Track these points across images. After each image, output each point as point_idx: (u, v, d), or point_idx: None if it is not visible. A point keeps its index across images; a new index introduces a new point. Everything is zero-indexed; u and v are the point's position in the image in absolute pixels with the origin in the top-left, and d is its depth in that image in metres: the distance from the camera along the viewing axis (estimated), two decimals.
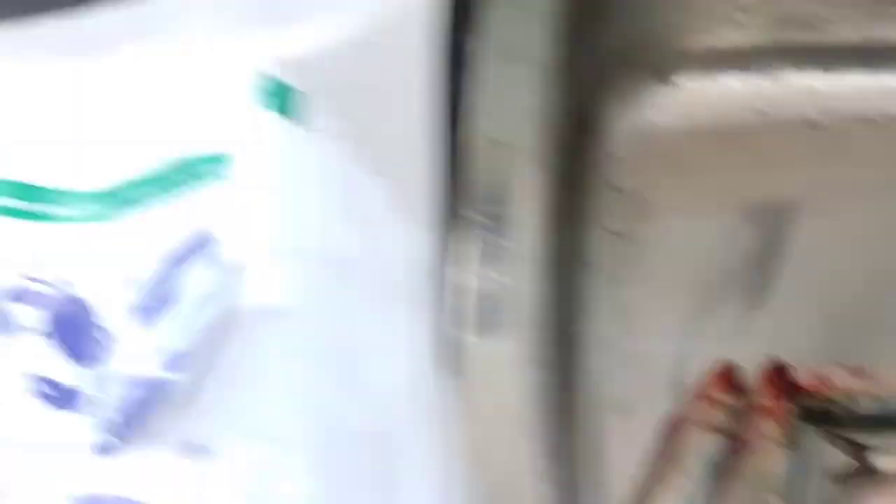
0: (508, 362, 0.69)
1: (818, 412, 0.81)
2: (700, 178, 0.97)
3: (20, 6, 0.71)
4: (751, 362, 0.81)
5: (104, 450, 0.60)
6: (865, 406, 0.80)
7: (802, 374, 0.82)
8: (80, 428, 0.60)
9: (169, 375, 0.61)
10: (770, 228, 0.93)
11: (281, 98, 0.71)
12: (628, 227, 0.94)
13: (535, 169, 0.71)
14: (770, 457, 0.76)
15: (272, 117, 0.70)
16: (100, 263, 0.65)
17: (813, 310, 0.89)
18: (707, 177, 0.97)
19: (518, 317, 0.71)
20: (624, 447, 0.80)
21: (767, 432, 0.77)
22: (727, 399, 0.79)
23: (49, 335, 0.62)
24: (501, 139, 0.73)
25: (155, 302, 0.64)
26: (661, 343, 0.87)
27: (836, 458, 0.80)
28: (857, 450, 0.80)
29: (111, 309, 0.63)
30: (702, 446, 0.77)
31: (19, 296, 0.63)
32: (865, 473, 0.79)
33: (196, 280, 0.64)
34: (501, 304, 0.70)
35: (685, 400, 0.80)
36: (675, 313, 0.89)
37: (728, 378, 0.80)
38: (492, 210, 0.70)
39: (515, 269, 0.69)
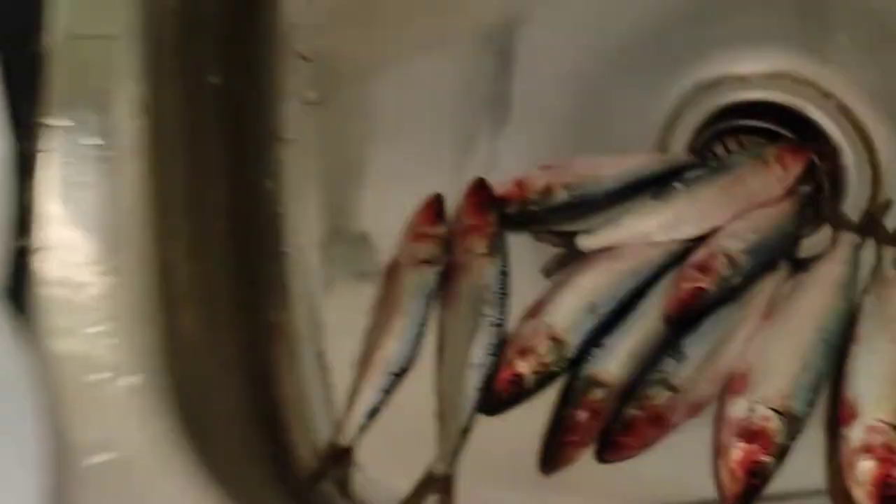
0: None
1: (521, 215, 0.86)
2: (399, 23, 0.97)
3: None
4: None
5: None
6: (560, 197, 0.85)
7: (502, 186, 0.86)
8: None
9: None
10: (499, 49, 0.95)
11: None
12: (326, 93, 0.93)
13: (136, 60, 0.66)
14: (480, 270, 0.81)
15: None
16: None
17: (548, 115, 0.94)
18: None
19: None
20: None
21: (475, 249, 0.82)
22: (433, 230, 0.82)
23: None
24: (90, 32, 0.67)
25: None
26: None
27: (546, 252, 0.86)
28: (562, 239, 0.87)
29: None
30: (415, 282, 0.81)
31: None
32: (572, 256, 0.86)
33: None
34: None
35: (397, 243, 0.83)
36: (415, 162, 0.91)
37: (432, 210, 0.84)
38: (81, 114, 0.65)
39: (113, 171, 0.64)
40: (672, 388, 0.77)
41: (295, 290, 0.83)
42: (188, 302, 0.70)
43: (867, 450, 0.74)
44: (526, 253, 0.87)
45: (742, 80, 0.96)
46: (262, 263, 0.83)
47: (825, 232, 0.91)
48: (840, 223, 0.90)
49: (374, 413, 0.78)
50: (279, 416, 0.78)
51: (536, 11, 0.96)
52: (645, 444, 0.78)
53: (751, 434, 0.75)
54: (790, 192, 0.92)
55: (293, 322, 0.82)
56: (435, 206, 0.84)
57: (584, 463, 0.78)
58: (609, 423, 0.78)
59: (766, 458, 0.74)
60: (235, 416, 0.73)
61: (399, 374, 0.79)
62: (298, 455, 0.77)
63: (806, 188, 0.92)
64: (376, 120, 0.94)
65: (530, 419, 0.79)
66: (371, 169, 0.91)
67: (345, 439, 0.77)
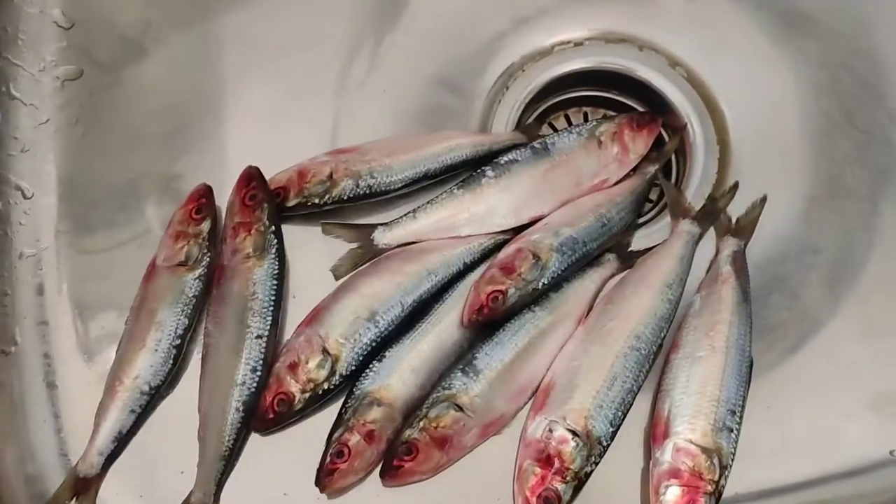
0: None
1: (303, 208, 0.75)
2: None
3: None
4: None
5: None
6: (346, 187, 0.75)
7: (282, 175, 0.76)
8: None
9: None
10: None
11: None
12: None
13: None
14: (247, 274, 0.71)
15: None
16: None
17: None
18: None
19: None
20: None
21: (242, 249, 0.71)
22: (194, 228, 0.72)
23: None
24: None
25: None
26: None
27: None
28: (356, 233, 0.76)
29: None
30: (171, 287, 0.70)
31: None
32: (368, 254, 0.76)
33: None
34: None
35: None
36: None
37: (196, 205, 0.73)
38: None
39: None
40: (460, 408, 0.68)
41: (26, 299, 0.72)
42: None
43: (674, 475, 0.65)
44: (316, 251, 0.76)
45: (578, 47, 0.86)
46: None
47: (668, 219, 0.81)
48: (680, 210, 0.80)
49: (123, 437, 0.68)
50: None
51: None
52: (433, 468, 0.68)
53: (546, 458, 0.66)
54: (635, 174, 0.82)
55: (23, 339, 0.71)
56: (199, 200, 0.73)
57: (370, 486, 0.68)
58: (392, 445, 0.68)
59: (560, 486, 0.65)
60: None
61: (152, 393, 0.69)
62: (11, 496, 0.66)
63: (652, 168, 0.82)
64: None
65: (314, 438, 0.69)
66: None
67: (87, 468, 0.67)
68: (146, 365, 0.69)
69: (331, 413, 0.70)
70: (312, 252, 0.76)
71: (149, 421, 0.69)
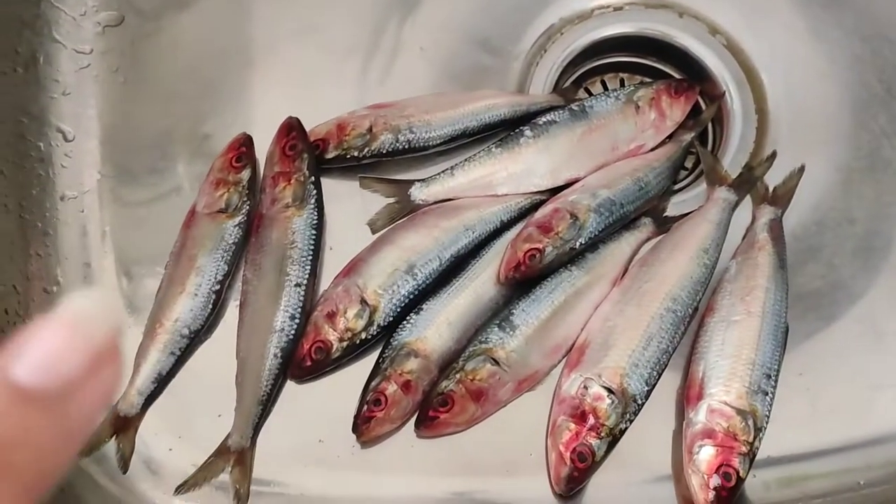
0: None
1: (342, 161, 0.75)
2: None
3: None
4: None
5: None
6: (385, 141, 0.75)
7: (321, 127, 0.76)
8: None
9: None
10: None
11: None
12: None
13: None
14: (286, 223, 0.71)
15: None
16: None
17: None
18: None
19: None
20: None
21: (282, 199, 0.72)
22: (234, 176, 0.72)
23: None
24: None
25: None
26: None
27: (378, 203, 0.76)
28: (393, 188, 0.76)
29: None
30: (212, 234, 0.71)
31: None
32: (404, 209, 0.76)
33: None
34: None
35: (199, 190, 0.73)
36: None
37: (236, 153, 0.73)
38: None
39: None
40: (496, 362, 0.68)
41: (69, 240, 0.72)
42: None
43: (708, 435, 0.66)
44: (353, 203, 0.76)
45: (618, 11, 0.85)
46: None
47: (703, 187, 0.81)
48: (717, 177, 0.80)
49: (163, 378, 0.69)
50: None
51: None
52: (468, 421, 0.69)
53: (581, 414, 0.67)
54: (671, 141, 0.82)
55: (65, 279, 0.72)
56: (240, 149, 0.73)
57: (404, 436, 0.69)
58: (427, 397, 0.68)
59: (594, 442, 0.66)
60: None
61: (192, 337, 0.70)
62: None
63: (688, 136, 0.82)
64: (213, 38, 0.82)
65: (350, 387, 0.69)
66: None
67: (127, 407, 0.68)
68: (186, 309, 0.69)
69: (365, 363, 0.70)
70: (349, 205, 0.76)
71: (187, 365, 0.70)
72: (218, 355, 0.70)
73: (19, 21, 0.75)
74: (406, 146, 0.76)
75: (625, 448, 0.68)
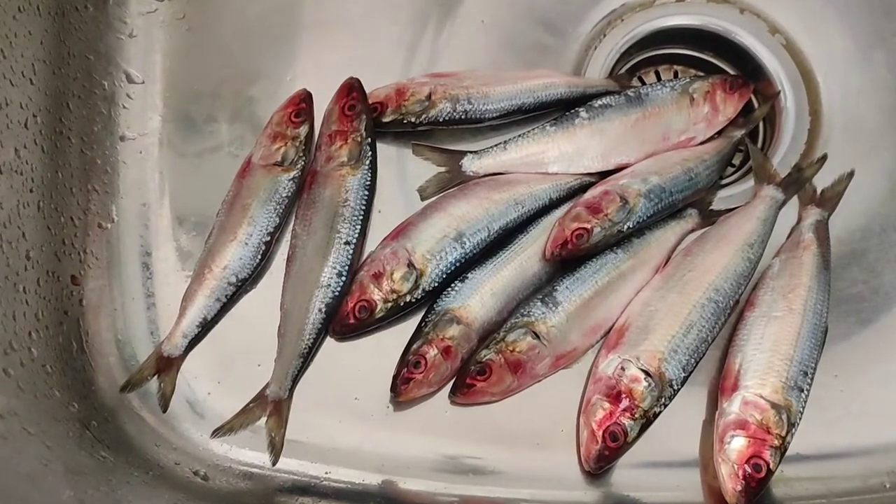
0: None
1: (398, 125, 0.76)
2: None
3: None
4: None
5: None
6: (443, 110, 0.75)
7: (380, 91, 0.76)
8: None
9: None
10: None
11: None
12: None
13: None
14: (340, 182, 0.72)
15: None
16: None
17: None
18: None
19: None
20: None
21: (337, 157, 0.72)
22: (292, 131, 0.73)
23: None
24: None
25: None
26: None
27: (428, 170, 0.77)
28: (446, 157, 0.77)
29: None
30: (266, 186, 0.71)
31: None
32: (455, 178, 0.76)
33: None
34: None
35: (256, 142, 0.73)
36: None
37: (295, 108, 0.74)
38: None
39: None
40: (537, 336, 0.69)
41: (126, 179, 0.73)
42: None
43: (741, 426, 0.66)
44: (404, 169, 0.77)
45: (680, 3, 0.86)
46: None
47: (750, 183, 0.81)
48: (766, 175, 0.80)
49: (207, 323, 0.70)
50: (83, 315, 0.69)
51: None
52: (503, 391, 0.69)
53: (616, 394, 0.67)
54: (718, 135, 0.83)
55: (120, 216, 0.73)
56: (299, 104, 0.74)
57: (438, 401, 0.70)
58: (465, 365, 0.69)
59: (627, 422, 0.66)
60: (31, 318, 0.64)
61: (239, 285, 0.70)
62: (107, 363, 0.68)
63: (738, 133, 0.82)
64: None
65: (389, 348, 0.70)
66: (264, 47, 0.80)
67: (171, 348, 0.69)
68: (235, 257, 0.70)
69: (406, 327, 0.71)
70: (400, 170, 0.77)
71: (231, 312, 0.71)
72: (261, 306, 0.71)
73: None
74: (462, 116, 0.76)
75: (654, 431, 0.68)
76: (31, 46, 0.66)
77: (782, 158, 0.81)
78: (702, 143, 0.81)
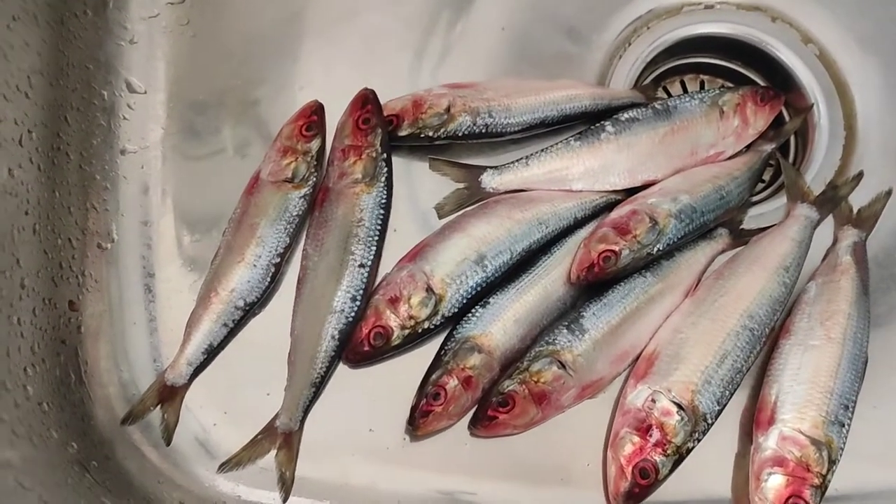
0: None
1: (415, 140, 0.72)
2: None
3: None
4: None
5: None
6: (463, 123, 0.71)
7: (396, 103, 0.72)
8: None
9: None
10: None
11: None
12: None
13: None
14: (354, 200, 0.68)
15: None
16: None
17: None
18: None
19: None
20: None
21: (351, 173, 0.68)
22: (304, 145, 0.69)
23: None
24: None
25: None
26: None
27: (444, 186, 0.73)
28: (464, 173, 0.73)
29: None
30: (276, 204, 0.67)
31: None
32: (473, 195, 0.73)
33: None
34: None
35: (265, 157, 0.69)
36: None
37: (307, 121, 0.70)
38: None
39: None
40: (562, 365, 0.65)
41: (127, 195, 0.69)
42: None
43: (779, 463, 0.63)
44: (420, 185, 0.73)
45: (708, 10, 0.82)
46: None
47: (781, 201, 0.77)
48: (798, 193, 0.76)
49: (213, 350, 0.66)
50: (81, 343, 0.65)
51: None
52: (526, 423, 0.66)
53: (647, 428, 0.63)
54: (748, 150, 0.79)
55: (120, 236, 0.68)
56: (311, 117, 0.70)
57: (457, 433, 0.66)
58: (486, 395, 0.65)
59: (658, 458, 0.63)
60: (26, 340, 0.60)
61: (246, 309, 0.66)
62: (106, 394, 0.64)
63: (769, 147, 0.79)
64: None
65: (405, 376, 0.67)
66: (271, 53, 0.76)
67: (175, 377, 0.65)
68: (243, 279, 0.66)
69: (424, 352, 0.67)
70: (416, 186, 0.73)
71: (238, 337, 0.67)
72: (271, 330, 0.67)
73: None
74: (483, 130, 0.72)
75: (682, 465, 0.64)
76: (27, 58, 0.62)
77: (816, 175, 0.78)
78: (730, 157, 0.78)
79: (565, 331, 0.66)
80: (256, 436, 0.64)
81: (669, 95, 0.83)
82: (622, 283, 0.69)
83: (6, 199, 0.58)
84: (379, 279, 0.69)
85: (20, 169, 0.59)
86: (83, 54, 0.69)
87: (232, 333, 0.66)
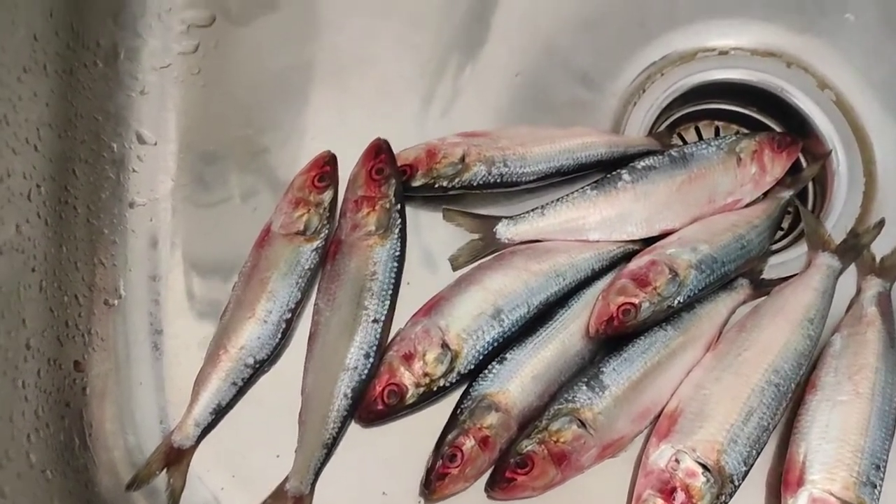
0: None
1: (429, 190, 0.71)
2: None
3: None
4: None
5: None
6: (478, 173, 0.70)
7: (409, 152, 0.71)
8: None
9: None
10: None
11: None
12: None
13: None
14: (367, 253, 0.66)
15: None
16: None
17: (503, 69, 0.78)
18: None
19: None
20: None
21: (364, 225, 0.67)
22: (316, 196, 0.67)
23: None
24: None
25: None
26: None
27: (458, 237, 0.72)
28: (478, 223, 0.72)
29: None
30: (288, 257, 0.66)
31: None
32: (488, 246, 0.71)
33: None
34: None
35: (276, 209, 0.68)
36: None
37: (319, 171, 0.68)
38: None
39: None
40: (582, 424, 0.63)
41: (136, 249, 0.68)
42: None
43: None
44: (433, 236, 0.72)
45: (723, 56, 0.81)
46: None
47: (800, 249, 0.76)
48: (819, 241, 0.74)
49: (221, 410, 0.64)
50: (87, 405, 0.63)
51: None
52: (545, 485, 0.63)
53: (671, 490, 0.61)
54: (765, 197, 0.77)
55: (128, 291, 0.67)
56: (323, 167, 0.69)
57: (474, 495, 0.64)
58: (504, 455, 0.63)
59: None
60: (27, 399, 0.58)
61: (256, 367, 0.65)
62: (111, 458, 0.62)
63: (787, 194, 0.77)
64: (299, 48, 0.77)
65: (419, 435, 0.64)
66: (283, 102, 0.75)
67: (183, 438, 0.63)
68: (254, 336, 0.64)
69: (437, 410, 0.65)
70: (429, 237, 0.72)
71: (246, 396, 0.65)
72: (280, 388, 0.65)
73: (104, 11, 0.70)
74: (498, 180, 0.71)
75: None
76: (36, 109, 0.61)
77: (836, 223, 0.76)
78: (748, 204, 0.76)
79: (585, 388, 0.64)
80: (266, 500, 0.62)
81: (685, 142, 0.81)
82: (642, 337, 0.67)
83: (13, 256, 0.56)
84: (392, 334, 0.67)
85: (27, 224, 0.58)
86: (92, 105, 0.68)
87: (241, 392, 0.64)
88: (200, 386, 0.63)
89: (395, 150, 0.71)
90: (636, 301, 0.66)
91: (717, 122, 0.84)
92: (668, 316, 0.67)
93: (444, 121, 0.76)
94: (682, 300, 0.67)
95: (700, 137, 0.83)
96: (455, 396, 0.65)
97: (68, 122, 0.65)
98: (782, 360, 0.66)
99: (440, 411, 0.65)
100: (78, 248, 0.64)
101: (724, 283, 0.71)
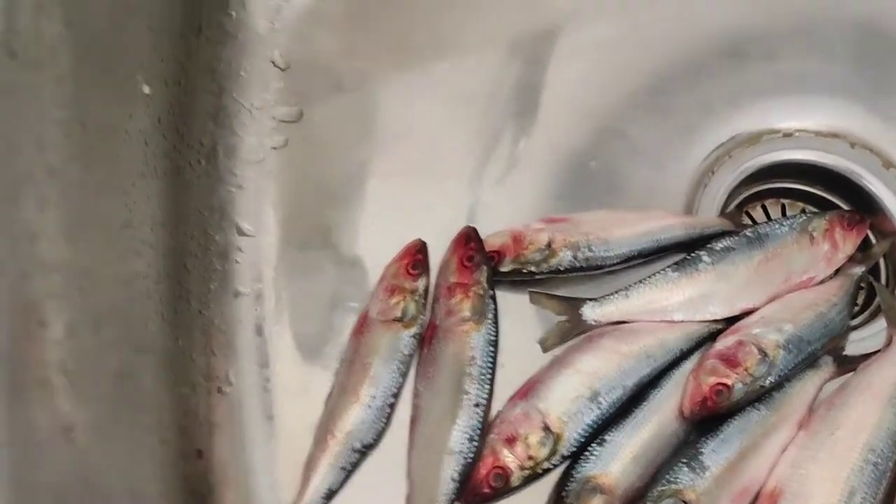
0: None
1: (517, 275, 0.73)
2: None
3: None
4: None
5: None
6: (564, 258, 0.72)
7: (497, 238, 0.73)
8: None
9: None
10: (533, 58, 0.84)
11: None
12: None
13: None
14: (464, 337, 0.68)
15: None
16: None
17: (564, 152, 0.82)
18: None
19: None
20: None
21: (459, 311, 0.69)
22: (411, 284, 0.70)
23: None
24: None
25: None
26: None
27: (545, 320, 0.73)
28: (565, 306, 0.74)
29: None
30: (387, 343, 0.68)
31: None
32: (576, 328, 0.73)
33: None
34: None
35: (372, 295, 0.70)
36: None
37: (412, 259, 0.71)
38: None
39: None
40: None
41: (243, 338, 0.70)
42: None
43: None
44: (522, 319, 0.74)
45: (788, 138, 0.84)
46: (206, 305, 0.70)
47: (877, 325, 0.77)
48: None
49: (331, 495, 0.65)
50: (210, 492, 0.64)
51: (565, 38, 0.84)
52: None
53: None
54: (839, 274, 0.79)
55: (238, 379, 0.69)
56: (416, 255, 0.71)
57: None
58: None
59: None
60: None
61: (363, 451, 0.66)
62: None
63: (859, 270, 0.79)
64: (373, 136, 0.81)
65: None
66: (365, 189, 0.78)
67: None
68: (359, 420, 0.66)
69: (539, 487, 0.66)
70: (518, 321, 0.74)
71: (351, 481, 0.66)
72: (384, 472, 0.67)
73: (204, 112, 0.75)
74: (584, 264, 0.73)
75: None
76: (149, 211, 0.64)
77: None
78: (820, 281, 0.78)
79: (686, 468, 0.65)
80: None
81: (753, 221, 0.84)
82: (737, 417, 0.68)
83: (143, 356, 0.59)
84: (492, 416, 0.68)
85: (150, 323, 0.61)
86: (198, 202, 0.71)
87: (349, 477, 0.66)
88: (310, 471, 0.65)
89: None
90: (729, 382, 0.67)
91: (783, 200, 0.87)
92: (759, 396, 0.69)
93: (522, 206, 0.79)
94: (772, 380, 0.68)
95: (768, 216, 0.85)
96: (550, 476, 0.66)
97: (178, 220, 0.68)
98: (877, 438, 0.67)
99: (541, 487, 0.66)
100: (193, 339, 0.67)
101: (810, 362, 0.72)
